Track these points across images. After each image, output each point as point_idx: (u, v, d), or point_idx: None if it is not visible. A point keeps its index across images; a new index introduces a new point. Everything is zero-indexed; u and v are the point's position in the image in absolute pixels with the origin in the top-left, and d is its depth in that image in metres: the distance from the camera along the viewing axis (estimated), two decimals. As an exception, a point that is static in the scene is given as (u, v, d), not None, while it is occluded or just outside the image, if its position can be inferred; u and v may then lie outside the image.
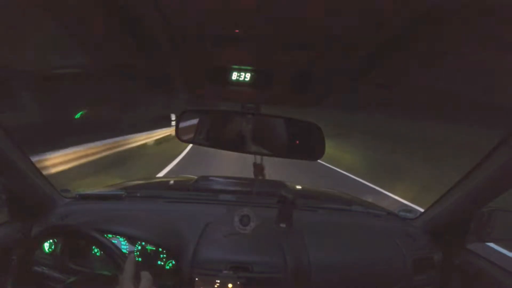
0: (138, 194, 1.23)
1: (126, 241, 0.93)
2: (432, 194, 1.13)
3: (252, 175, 1.06)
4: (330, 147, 0.89)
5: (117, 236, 0.93)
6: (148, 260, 0.91)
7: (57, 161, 5.01)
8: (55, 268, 0.86)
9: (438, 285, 0.99)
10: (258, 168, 0.99)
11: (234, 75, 0.74)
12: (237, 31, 0.57)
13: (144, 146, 9.71)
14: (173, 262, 0.90)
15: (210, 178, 1.62)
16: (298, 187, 1.79)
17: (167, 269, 0.90)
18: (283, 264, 0.88)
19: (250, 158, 1.00)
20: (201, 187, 1.43)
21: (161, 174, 5.84)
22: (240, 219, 0.93)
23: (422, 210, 1.18)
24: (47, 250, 0.92)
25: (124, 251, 0.92)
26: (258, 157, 1.00)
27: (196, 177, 1.54)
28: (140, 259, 0.92)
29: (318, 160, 0.87)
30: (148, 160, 7.77)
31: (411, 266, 0.96)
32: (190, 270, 0.85)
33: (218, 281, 0.82)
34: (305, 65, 0.71)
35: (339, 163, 8.12)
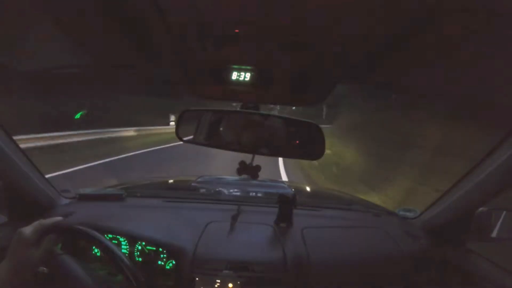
0: (138, 194, 1.24)
1: (126, 241, 0.93)
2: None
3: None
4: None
5: (117, 236, 0.93)
6: (148, 260, 0.91)
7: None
8: None
9: (438, 285, 0.99)
10: (250, 169, 0.98)
11: (234, 75, 0.74)
12: (237, 30, 0.56)
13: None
14: (173, 262, 0.90)
15: (210, 178, 1.62)
16: (298, 186, 1.79)
17: (167, 269, 0.90)
18: (283, 263, 0.88)
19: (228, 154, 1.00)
20: (201, 187, 1.43)
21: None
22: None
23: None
24: None
25: (124, 251, 0.92)
26: (249, 158, 0.99)
27: (196, 177, 1.54)
28: (140, 259, 0.92)
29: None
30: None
31: (411, 265, 0.96)
32: (190, 270, 0.85)
33: (219, 280, 0.82)
34: (305, 65, 0.71)
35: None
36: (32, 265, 0.67)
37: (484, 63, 0.55)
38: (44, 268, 0.69)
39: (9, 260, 0.65)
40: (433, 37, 0.51)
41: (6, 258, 0.66)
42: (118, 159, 7.54)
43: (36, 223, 0.70)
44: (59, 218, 0.74)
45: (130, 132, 11.51)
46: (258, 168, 1.00)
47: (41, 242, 0.68)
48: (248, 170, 0.98)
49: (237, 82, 0.75)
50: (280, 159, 7.13)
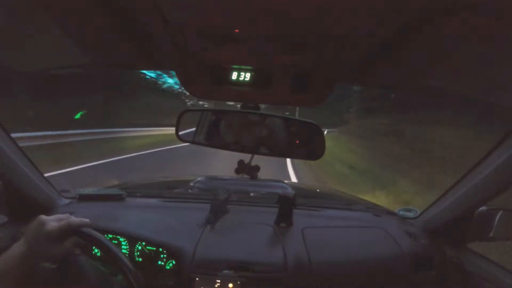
0: (138, 194, 1.24)
1: (126, 241, 0.93)
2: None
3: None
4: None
5: (117, 236, 0.93)
6: (148, 260, 0.91)
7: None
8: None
9: (438, 284, 0.99)
10: (249, 169, 0.98)
11: (234, 75, 0.74)
12: (237, 31, 0.56)
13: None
14: (173, 262, 0.90)
15: (210, 178, 1.62)
16: (298, 186, 1.79)
17: (167, 269, 0.90)
18: (283, 263, 0.88)
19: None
20: (201, 187, 1.43)
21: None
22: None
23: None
24: None
25: (124, 251, 0.92)
26: (248, 158, 0.99)
27: (196, 177, 1.54)
28: (140, 259, 0.92)
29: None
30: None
31: (411, 265, 0.96)
32: (190, 270, 0.85)
33: (219, 280, 0.82)
34: (305, 65, 0.71)
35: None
36: (46, 259, 0.65)
37: (485, 63, 0.55)
38: (50, 265, 0.68)
39: (26, 245, 0.62)
40: (434, 37, 0.51)
41: (23, 240, 0.63)
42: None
43: (63, 221, 0.66)
44: (86, 221, 0.70)
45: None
46: (257, 168, 0.99)
47: (63, 241, 0.66)
48: (247, 170, 0.98)
49: (237, 82, 0.75)
50: (290, 166, 7.03)
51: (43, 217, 0.65)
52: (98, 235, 0.70)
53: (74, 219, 0.68)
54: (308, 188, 1.89)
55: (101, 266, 0.80)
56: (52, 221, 0.65)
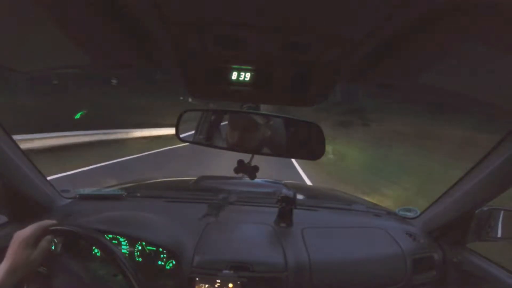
0: (138, 194, 1.24)
1: (126, 242, 0.93)
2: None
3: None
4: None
5: (117, 236, 0.93)
6: (148, 260, 0.91)
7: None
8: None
9: (438, 284, 0.99)
10: (249, 169, 0.98)
11: (234, 75, 0.74)
12: (237, 31, 0.56)
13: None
14: (173, 262, 0.90)
15: (210, 178, 1.62)
16: (298, 186, 1.79)
17: (167, 269, 0.90)
18: (283, 263, 0.88)
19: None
20: (201, 187, 1.44)
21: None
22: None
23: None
24: None
25: (124, 251, 0.92)
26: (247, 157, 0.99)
27: (196, 177, 1.54)
28: (140, 259, 0.92)
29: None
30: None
31: (411, 265, 0.96)
32: (190, 270, 0.85)
33: (219, 280, 0.82)
34: (305, 65, 0.71)
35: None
36: (30, 265, 0.68)
37: (486, 63, 0.55)
38: (44, 268, 0.69)
39: (7, 261, 0.66)
40: (435, 37, 0.51)
41: (5, 259, 0.67)
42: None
43: (34, 225, 0.71)
44: (54, 222, 0.76)
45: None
46: (256, 168, 0.99)
47: (38, 243, 0.70)
48: (246, 170, 0.97)
49: (237, 82, 0.75)
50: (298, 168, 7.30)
51: (17, 232, 0.71)
52: (71, 227, 0.74)
53: (44, 221, 0.75)
54: (308, 188, 1.89)
55: (99, 266, 0.80)
56: (25, 230, 0.70)
